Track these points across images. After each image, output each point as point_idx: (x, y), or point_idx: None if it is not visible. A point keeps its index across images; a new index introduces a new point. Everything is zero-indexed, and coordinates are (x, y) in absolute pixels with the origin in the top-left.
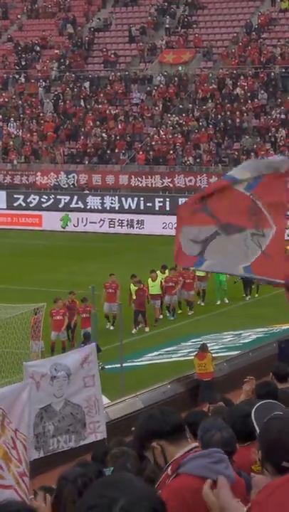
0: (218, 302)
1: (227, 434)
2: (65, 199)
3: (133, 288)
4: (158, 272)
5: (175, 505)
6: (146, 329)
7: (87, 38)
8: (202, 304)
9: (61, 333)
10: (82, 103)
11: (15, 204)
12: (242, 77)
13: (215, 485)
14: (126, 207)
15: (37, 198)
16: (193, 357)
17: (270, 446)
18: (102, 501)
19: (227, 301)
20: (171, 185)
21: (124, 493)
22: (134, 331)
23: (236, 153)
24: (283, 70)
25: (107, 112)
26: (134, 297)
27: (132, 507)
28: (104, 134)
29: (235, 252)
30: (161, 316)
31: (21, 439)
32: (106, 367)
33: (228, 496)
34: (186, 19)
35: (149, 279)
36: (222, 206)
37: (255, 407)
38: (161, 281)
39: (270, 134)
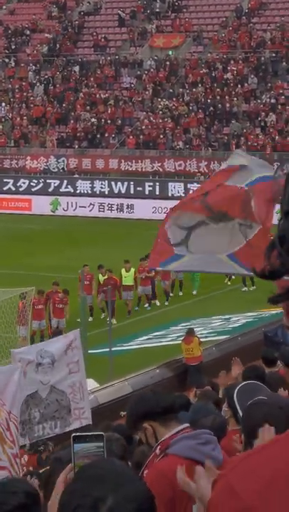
0: (194, 292)
1: (219, 418)
2: (54, 183)
3: (101, 278)
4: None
5: (161, 485)
6: (114, 321)
7: (77, 22)
8: (180, 293)
9: (42, 323)
10: (72, 87)
11: (4, 188)
12: (232, 62)
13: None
14: (116, 191)
15: (27, 182)
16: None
17: (254, 432)
18: (88, 501)
19: (194, 293)
20: (161, 169)
21: (112, 490)
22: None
23: (226, 137)
24: (273, 55)
25: (97, 96)
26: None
27: (119, 507)
28: (94, 119)
29: (219, 241)
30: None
31: (14, 420)
32: (94, 351)
33: (206, 484)
34: (176, 3)
35: (123, 269)
36: (219, 197)
37: (237, 387)
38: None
39: (259, 119)
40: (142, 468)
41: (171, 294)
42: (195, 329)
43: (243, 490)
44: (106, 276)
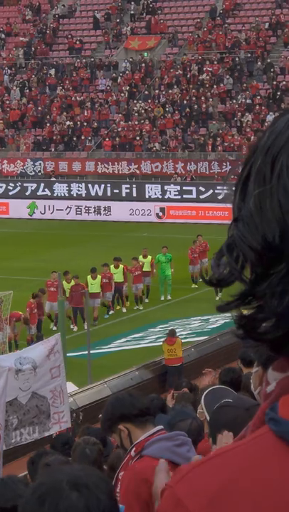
0: (162, 298)
1: (196, 422)
2: (31, 186)
3: (66, 285)
4: (112, 266)
5: (137, 486)
6: (85, 326)
7: (52, 25)
8: (146, 300)
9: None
10: (47, 90)
11: None
12: (207, 63)
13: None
14: (93, 193)
15: (3, 185)
16: (161, 343)
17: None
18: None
19: (169, 298)
20: (137, 171)
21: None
22: (73, 327)
23: (202, 138)
24: (248, 55)
25: (73, 98)
26: (67, 295)
27: None
28: (70, 121)
29: None
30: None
31: None
32: (73, 354)
33: (164, 481)
34: (150, 5)
35: (89, 277)
36: None
37: (205, 392)
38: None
39: (235, 119)
40: (116, 471)
41: (146, 300)
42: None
43: (190, 502)
44: (72, 283)
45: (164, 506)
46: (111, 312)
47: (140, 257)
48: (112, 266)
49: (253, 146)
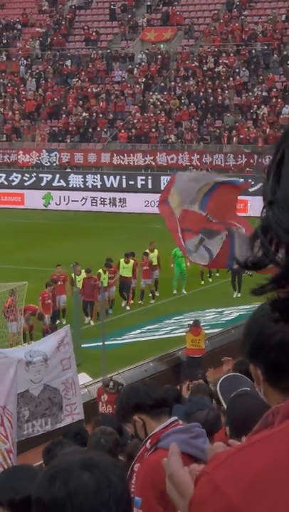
0: (175, 291)
1: (212, 413)
2: (47, 177)
3: (77, 278)
4: (121, 260)
5: (153, 479)
6: (91, 322)
7: (68, 16)
8: (157, 293)
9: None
10: (63, 81)
11: None
12: (223, 55)
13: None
14: (108, 185)
15: (19, 176)
16: (184, 333)
17: (238, 424)
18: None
19: (185, 292)
20: (153, 163)
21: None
22: (88, 320)
23: (218, 130)
24: (265, 47)
25: (89, 90)
26: (79, 287)
27: None
28: (85, 113)
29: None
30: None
31: (8, 416)
32: (87, 345)
33: (176, 464)
34: None
35: (122, 260)
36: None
37: (220, 380)
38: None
39: (251, 111)
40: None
41: (157, 294)
42: (187, 323)
43: (228, 489)
44: (83, 275)
45: (200, 493)
46: (126, 304)
47: (147, 251)
48: (122, 260)
49: (285, 130)
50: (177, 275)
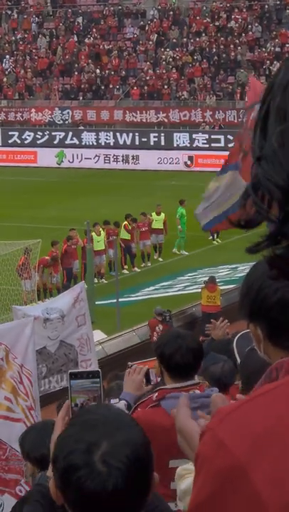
0: (174, 250)
1: (227, 365)
2: (60, 135)
3: (97, 238)
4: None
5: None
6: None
7: None
8: (160, 259)
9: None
10: (75, 38)
11: (10, 141)
12: (236, 10)
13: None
14: (121, 142)
15: (32, 134)
16: (200, 290)
17: (251, 376)
18: (81, 446)
19: (186, 253)
20: (166, 120)
21: (106, 435)
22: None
23: (230, 87)
24: (278, 2)
25: (101, 47)
26: (99, 248)
27: (113, 453)
28: (98, 70)
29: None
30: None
31: (27, 374)
32: (101, 302)
33: (185, 416)
34: None
35: (94, 234)
36: None
37: (237, 336)
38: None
39: (264, 67)
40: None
41: (160, 259)
42: (202, 279)
43: (234, 444)
44: (104, 234)
45: (204, 450)
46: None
47: (153, 214)
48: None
49: (269, 84)
50: (184, 235)
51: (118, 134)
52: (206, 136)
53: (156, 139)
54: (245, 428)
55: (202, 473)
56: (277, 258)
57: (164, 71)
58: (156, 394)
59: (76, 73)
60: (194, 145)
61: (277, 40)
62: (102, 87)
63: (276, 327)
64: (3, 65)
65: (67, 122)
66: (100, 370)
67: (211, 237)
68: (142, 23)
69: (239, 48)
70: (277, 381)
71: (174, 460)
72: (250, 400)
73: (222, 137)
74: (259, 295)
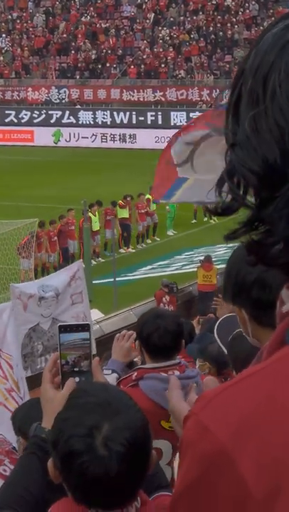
0: (171, 232)
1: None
2: (56, 114)
3: (94, 218)
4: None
5: None
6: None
7: None
8: (157, 238)
9: (53, 255)
10: (72, 17)
11: (6, 120)
12: None
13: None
14: (118, 121)
15: (28, 113)
16: (195, 269)
17: (243, 365)
18: (82, 430)
19: (172, 233)
20: (163, 98)
21: (107, 418)
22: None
23: (228, 65)
24: None
25: (98, 25)
26: (97, 228)
27: (114, 437)
28: (94, 49)
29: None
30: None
31: (5, 358)
32: (98, 281)
33: (177, 398)
34: None
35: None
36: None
37: (216, 324)
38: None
39: None
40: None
41: (157, 239)
42: (199, 258)
43: (218, 429)
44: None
45: (189, 435)
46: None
47: (147, 195)
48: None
49: (239, 68)
50: (172, 215)
51: (115, 113)
52: None
53: (153, 118)
54: (230, 412)
55: (187, 458)
56: (254, 244)
57: (161, 50)
58: (136, 373)
59: (73, 52)
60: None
61: (274, 19)
62: (99, 66)
63: (258, 306)
64: (0, 43)
65: (64, 101)
66: (89, 323)
67: (205, 219)
68: (139, 1)
69: (236, 26)
70: (260, 364)
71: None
72: (234, 383)
73: None
74: (238, 277)
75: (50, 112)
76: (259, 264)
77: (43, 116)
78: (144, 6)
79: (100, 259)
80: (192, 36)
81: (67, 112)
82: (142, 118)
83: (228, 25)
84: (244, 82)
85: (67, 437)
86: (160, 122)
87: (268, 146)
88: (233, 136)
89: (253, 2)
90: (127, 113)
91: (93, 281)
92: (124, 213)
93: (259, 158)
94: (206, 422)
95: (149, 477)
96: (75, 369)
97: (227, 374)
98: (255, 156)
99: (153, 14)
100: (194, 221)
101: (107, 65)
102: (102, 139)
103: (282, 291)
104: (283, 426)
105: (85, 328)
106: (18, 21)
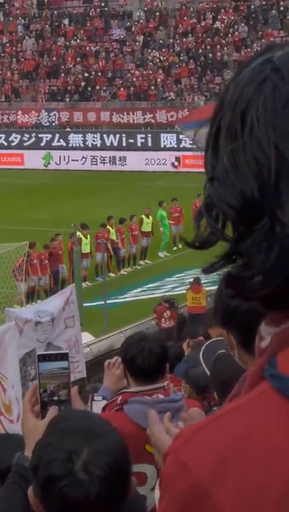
0: (163, 254)
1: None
2: (46, 137)
3: (85, 240)
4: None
5: None
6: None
7: None
8: (147, 261)
9: (44, 278)
10: (62, 40)
11: None
12: (222, 11)
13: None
14: (108, 144)
15: (18, 136)
16: (184, 291)
17: (224, 387)
18: (62, 455)
19: (163, 255)
20: (152, 120)
21: (86, 443)
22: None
23: (218, 87)
24: (263, 3)
25: (87, 48)
26: (87, 251)
27: (94, 461)
28: (84, 72)
29: None
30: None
31: (0, 379)
32: (89, 304)
33: (159, 432)
34: None
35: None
36: None
37: (202, 348)
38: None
39: None
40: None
41: (149, 262)
42: (189, 280)
43: (196, 467)
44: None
45: (169, 472)
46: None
47: (143, 217)
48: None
49: (219, 101)
50: (166, 237)
51: (105, 136)
52: None
53: (143, 140)
54: (208, 450)
55: (167, 494)
56: (232, 277)
57: (151, 72)
58: (120, 397)
59: (63, 75)
60: (181, 146)
61: (263, 41)
62: (89, 89)
63: (248, 334)
64: None
65: (54, 124)
66: (68, 352)
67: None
68: (128, 24)
69: (225, 48)
70: (239, 400)
71: (134, 465)
72: (213, 420)
73: None
74: (231, 303)
75: (40, 135)
76: (237, 297)
77: (33, 139)
78: (133, 29)
79: (87, 282)
80: (182, 58)
81: (57, 135)
82: (132, 140)
83: (218, 47)
84: (223, 116)
85: (46, 462)
86: (150, 144)
87: (246, 180)
88: (212, 169)
89: (242, 24)
90: (117, 135)
91: (84, 304)
92: (115, 236)
93: (237, 192)
94: (185, 459)
95: (129, 501)
96: (54, 398)
97: (209, 397)
98: (233, 190)
99: (142, 37)
100: (175, 248)
101: (97, 87)
102: (92, 161)
103: (260, 326)
104: (262, 458)
105: (63, 357)
106: (8, 45)
